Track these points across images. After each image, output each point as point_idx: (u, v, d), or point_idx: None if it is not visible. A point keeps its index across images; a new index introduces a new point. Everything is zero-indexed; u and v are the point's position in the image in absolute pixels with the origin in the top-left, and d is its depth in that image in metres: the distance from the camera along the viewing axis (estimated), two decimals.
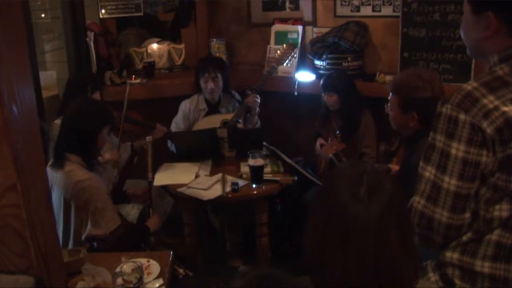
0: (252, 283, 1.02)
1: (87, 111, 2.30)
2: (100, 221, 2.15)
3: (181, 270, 2.07)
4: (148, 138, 2.67)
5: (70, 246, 2.17)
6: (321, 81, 3.07)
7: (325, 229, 0.98)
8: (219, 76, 3.17)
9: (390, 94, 2.18)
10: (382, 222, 0.94)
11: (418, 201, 1.35)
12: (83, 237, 2.13)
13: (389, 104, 2.20)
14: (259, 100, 3.15)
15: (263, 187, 2.68)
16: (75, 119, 2.24)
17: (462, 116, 1.24)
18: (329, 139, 3.08)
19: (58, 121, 2.77)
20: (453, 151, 1.27)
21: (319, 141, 3.12)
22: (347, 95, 3.02)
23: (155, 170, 2.83)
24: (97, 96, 2.89)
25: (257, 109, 3.18)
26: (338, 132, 3.09)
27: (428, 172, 1.32)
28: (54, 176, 2.19)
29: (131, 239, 2.14)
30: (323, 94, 3.07)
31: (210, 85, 3.16)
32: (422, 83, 2.06)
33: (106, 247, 2.12)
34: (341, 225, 0.96)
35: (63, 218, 2.18)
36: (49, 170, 2.19)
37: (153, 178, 2.67)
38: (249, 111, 3.18)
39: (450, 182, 1.28)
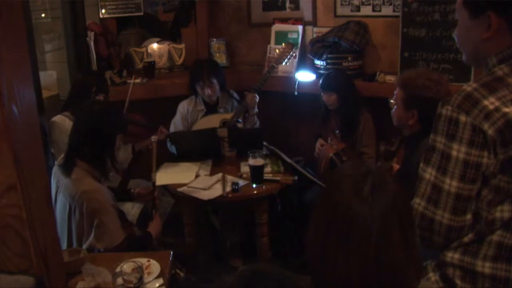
0: (243, 277, 1.02)
1: (104, 118, 2.20)
2: (103, 235, 2.08)
3: (182, 274, 2.05)
4: (154, 138, 2.64)
5: None
6: (320, 81, 3.07)
7: (327, 228, 0.98)
8: (215, 81, 3.18)
9: (396, 88, 2.19)
10: (385, 221, 0.94)
11: (418, 203, 1.34)
12: (84, 247, 2.07)
13: (394, 98, 2.21)
14: (257, 100, 3.15)
15: (263, 187, 2.68)
16: (92, 126, 2.15)
17: (462, 118, 1.24)
18: (329, 138, 3.08)
19: (56, 119, 2.77)
20: (454, 153, 1.26)
21: (319, 142, 3.12)
22: (346, 94, 3.02)
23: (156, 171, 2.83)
24: (100, 98, 2.88)
25: (256, 109, 3.19)
26: (337, 131, 3.09)
27: (429, 173, 1.32)
28: (61, 179, 2.15)
29: (133, 249, 2.09)
30: (322, 94, 3.08)
31: (207, 91, 3.18)
32: (428, 83, 2.08)
33: None
34: (344, 224, 0.96)
35: (67, 224, 2.14)
36: (57, 170, 2.17)
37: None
38: (248, 111, 3.18)
39: (451, 184, 1.28)
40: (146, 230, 2.35)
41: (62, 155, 2.22)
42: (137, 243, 2.21)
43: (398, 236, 0.94)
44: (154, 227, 2.37)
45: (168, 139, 3.13)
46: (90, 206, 2.07)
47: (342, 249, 0.95)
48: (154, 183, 2.50)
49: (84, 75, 3.07)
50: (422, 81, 2.10)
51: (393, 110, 2.23)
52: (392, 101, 2.24)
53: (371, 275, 0.93)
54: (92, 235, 2.08)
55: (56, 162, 2.24)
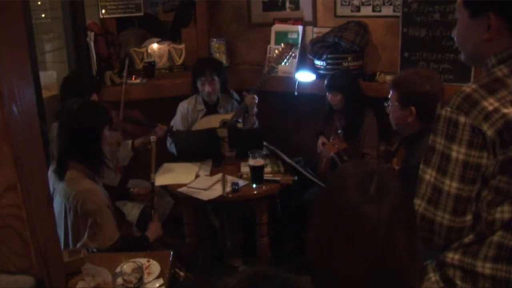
0: (247, 280, 1.02)
1: (85, 114, 2.19)
2: (97, 235, 2.05)
3: (181, 273, 2.05)
4: (153, 138, 2.64)
5: None
6: (326, 81, 3.08)
7: (334, 229, 0.97)
8: (216, 79, 3.18)
9: (390, 92, 2.20)
10: (392, 221, 0.94)
11: (419, 204, 1.34)
12: (77, 246, 2.05)
13: (389, 103, 2.21)
14: (257, 101, 3.15)
15: (263, 187, 2.68)
16: (75, 125, 2.14)
17: (462, 119, 1.24)
18: (331, 138, 3.08)
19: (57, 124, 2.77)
20: (454, 154, 1.26)
21: (321, 139, 3.13)
22: (351, 95, 3.03)
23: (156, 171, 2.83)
24: (94, 98, 2.88)
25: (255, 109, 3.19)
26: (340, 131, 3.09)
27: (429, 175, 1.32)
28: (56, 182, 2.14)
29: (128, 250, 2.06)
30: (327, 94, 3.08)
31: (207, 88, 3.18)
32: (419, 78, 2.11)
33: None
34: (351, 225, 0.95)
35: (64, 225, 2.13)
36: (51, 175, 2.16)
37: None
38: (247, 111, 3.18)
39: (451, 185, 1.28)
40: (144, 234, 2.32)
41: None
42: (132, 244, 2.19)
43: (404, 236, 0.95)
44: (153, 231, 2.34)
45: (168, 135, 3.13)
46: (84, 207, 2.05)
47: (350, 249, 0.94)
48: (153, 183, 2.50)
49: (74, 73, 3.07)
50: (412, 77, 2.13)
51: (391, 114, 2.22)
52: (388, 104, 2.23)
53: (377, 275, 0.93)
54: (86, 234, 2.06)
55: (50, 167, 2.23)
